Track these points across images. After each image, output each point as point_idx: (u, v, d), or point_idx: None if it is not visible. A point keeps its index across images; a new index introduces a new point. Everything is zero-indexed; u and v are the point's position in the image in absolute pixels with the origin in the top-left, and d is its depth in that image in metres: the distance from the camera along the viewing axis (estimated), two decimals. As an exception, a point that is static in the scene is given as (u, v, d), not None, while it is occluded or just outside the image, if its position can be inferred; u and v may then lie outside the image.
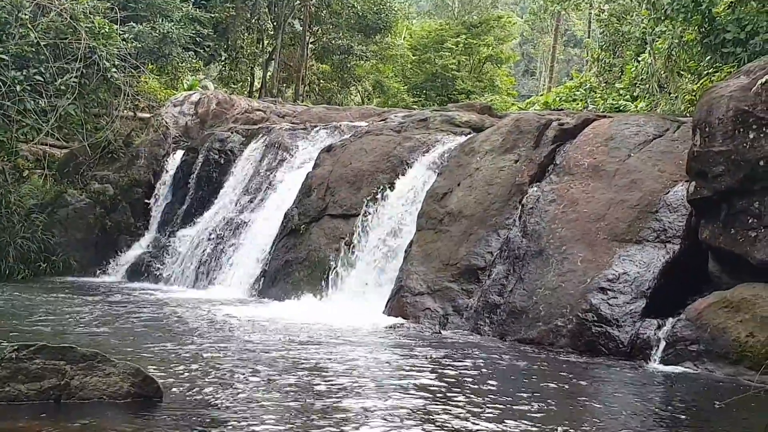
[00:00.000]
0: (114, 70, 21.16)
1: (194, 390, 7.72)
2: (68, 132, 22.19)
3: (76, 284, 18.68)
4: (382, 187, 16.99)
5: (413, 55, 47.09)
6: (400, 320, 13.84)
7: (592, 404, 8.63)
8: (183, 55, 27.88)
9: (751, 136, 11.40)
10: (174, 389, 7.62)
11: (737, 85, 11.85)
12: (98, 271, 20.84)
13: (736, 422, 8.22)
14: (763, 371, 10.01)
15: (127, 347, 9.88)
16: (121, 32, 22.46)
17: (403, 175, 17.06)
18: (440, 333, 13.18)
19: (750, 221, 11.49)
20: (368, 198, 16.94)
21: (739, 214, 11.62)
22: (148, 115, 24.44)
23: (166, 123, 23.47)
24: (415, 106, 36.43)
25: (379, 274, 15.84)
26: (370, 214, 16.69)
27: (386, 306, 14.79)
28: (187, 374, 8.49)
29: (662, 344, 11.40)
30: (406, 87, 46.19)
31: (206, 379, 8.29)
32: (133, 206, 22.20)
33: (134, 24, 24.76)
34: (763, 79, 11.37)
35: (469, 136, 17.49)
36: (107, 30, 21.26)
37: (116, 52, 21.36)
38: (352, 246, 16.44)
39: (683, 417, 8.52)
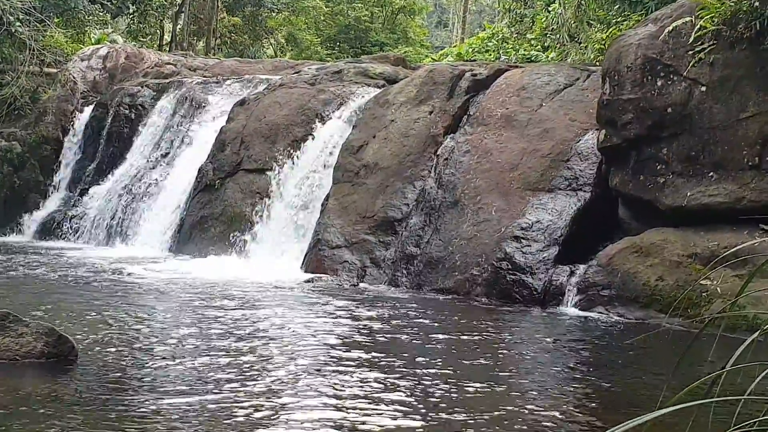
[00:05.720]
0: (18, 24, 20.58)
1: (109, 349, 7.62)
2: (-28, 89, 21.56)
3: (-15, 245, 18.24)
4: (297, 140, 16.89)
5: (326, 7, 46.55)
6: (318, 274, 13.86)
7: (505, 350, 8.78)
8: (89, 8, 27.19)
9: (659, 83, 11.63)
10: (88, 349, 7.52)
11: (645, 33, 12.05)
12: (8, 231, 20.43)
13: (643, 360, 8.47)
14: (671, 313, 10.33)
15: (40, 307, 9.68)
16: (24, -15, 21.80)
17: (318, 128, 16.97)
18: (358, 285, 13.24)
19: (658, 168, 11.76)
20: (283, 152, 16.84)
21: (648, 161, 11.89)
22: (55, 71, 23.79)
23: (74, 78, 22.88)
24: (329, 59, 36.06)
25: (296, 229, 15.81)
26: (285, 167, 16.59)
27: (304, 260, 14.78)
28: (101, 333, 8.37)
29: (574, 290, 11.67)
30: (319, 39, 45.72)
31: (121, 339, 8.19)
32: (42, 164, 21.71)
33: (38, -23, 24.01)
34: (671, 27, 11.57)
35: (383, 88, 17.47)
36: (10, -17, 20.62)
37: (20, 5, 20.76)
38: (268, 201, 16.34)
39: (594, 357, 8.77)
